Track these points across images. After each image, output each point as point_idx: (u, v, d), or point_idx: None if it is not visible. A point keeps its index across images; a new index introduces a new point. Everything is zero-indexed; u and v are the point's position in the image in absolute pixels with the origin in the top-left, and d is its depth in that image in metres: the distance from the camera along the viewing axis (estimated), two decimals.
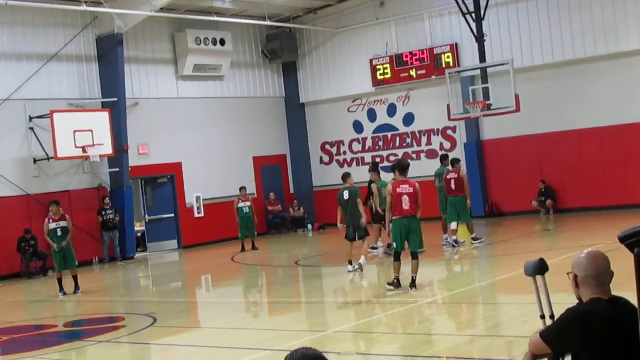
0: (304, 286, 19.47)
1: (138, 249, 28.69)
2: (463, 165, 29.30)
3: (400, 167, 15.81)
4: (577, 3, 27.03)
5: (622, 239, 3.73)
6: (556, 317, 5.41)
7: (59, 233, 19.63)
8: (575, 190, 27.44)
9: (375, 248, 22.02)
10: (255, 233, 26.84)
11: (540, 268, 5.80)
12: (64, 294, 19.47)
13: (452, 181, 21.71)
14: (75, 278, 19.72)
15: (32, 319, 17.56)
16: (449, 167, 22.10)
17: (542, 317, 5.74)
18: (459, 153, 29.78)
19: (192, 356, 12.26)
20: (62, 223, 19.79)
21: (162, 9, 26.89)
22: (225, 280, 21.53)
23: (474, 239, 21.69)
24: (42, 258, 24.49)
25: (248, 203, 26.63)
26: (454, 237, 21.47)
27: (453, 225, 21.49)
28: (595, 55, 26.87)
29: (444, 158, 22.71)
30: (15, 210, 24.72)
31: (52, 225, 19.69)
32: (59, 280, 19.72)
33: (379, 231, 22.01)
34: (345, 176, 19.63)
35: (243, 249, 26.16)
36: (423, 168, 30.28)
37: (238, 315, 15.87)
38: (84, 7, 25.14)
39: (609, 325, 4.85)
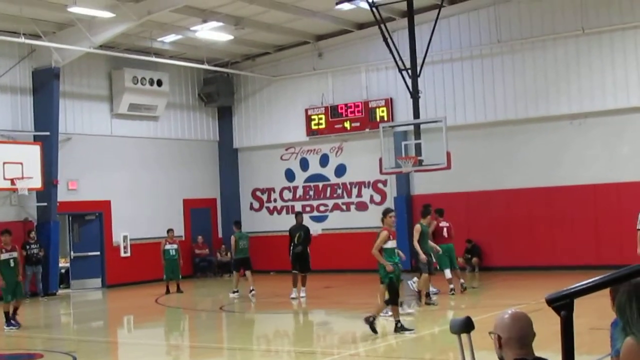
0: (227, 332, 19.31)
1: (61, 286, 28.17)
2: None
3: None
4: (511, 66, 27.59)
5: (550, 302, 3.76)
6: None
7: (12, 264, 19.06)
8: (501, 249, 27.71)
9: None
10: (180, 276, 26.58)
11: (466, 326, 5.82)
12: (17, 326, 18.93)
13: (445, 229, 22.24)
14: (16, 310, 19.20)
15: None
16: (437, 217, 22.53)
17: None
18: (389, 206, 29.93)
19: None
20: (14, 254, 19.25)
21: (100, 46, 26.72)
22: (148, 321, 21.24)
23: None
24: None
25: (175, 246, 26.44)
26: (451, 286, 21.59)
27: (447, 273, 21.62)
28: (527, 117, 27.38)
29: (426, 209, 21.98)
30: None
31: (5, 256, 18.99)
32: (7, 314, 19.04)
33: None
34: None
35: (168, 291, 25.85)
36: (353, 220, 30.51)
37: (158, 358, 15.64)
38: (22, 40, 24.94)
39: None
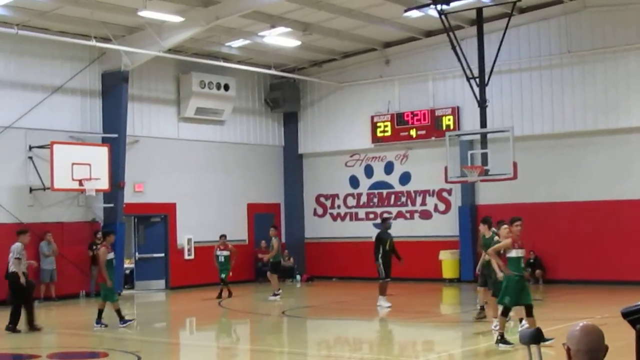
0: (287, 336, 19.37)
1: (125, 286, 28.49)
2: (457, 228, 29.47)
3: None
4: (581, 77, 27.24)
5: (625, 315, 3.73)
6: None
7: (115, 264, 19.94)
8: (565, 262, 27.39)
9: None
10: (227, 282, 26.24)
11: (535, 337, 5.80)
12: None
13: None
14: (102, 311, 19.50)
15: (15, 347, 17.36)
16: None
17: None
18: (453, 216, 29.88)
19: None
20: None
21: (169, 50, 26.99)
22: (210, 324, 21.40)
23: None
24: (30, 287, 24.20)
25: (226, 252, 26.27)
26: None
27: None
28: (595, 129, 27.02)
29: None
30: (8, 238, 24.47)
31: (110, 256, 19.48)
32: (101, 312, 19.38)
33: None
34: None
35: (220, 296, 25.80)
36: (416, 228, 30.39)
37: (221, 358, 15.77)
38: (93, 42, 25.19)
39: None
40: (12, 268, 19.19)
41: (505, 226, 15.94)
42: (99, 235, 26.67)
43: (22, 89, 25.67)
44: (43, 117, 25.91)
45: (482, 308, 19.15)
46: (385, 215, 28.99)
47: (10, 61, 25.48)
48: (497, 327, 15.51)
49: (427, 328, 19.91)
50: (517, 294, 14.83)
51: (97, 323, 19.22)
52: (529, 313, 14.83)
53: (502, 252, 15.37)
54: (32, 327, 19.00)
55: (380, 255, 22.59)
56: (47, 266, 24.99)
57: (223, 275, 25.95)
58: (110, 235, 20.10)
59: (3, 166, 25.03)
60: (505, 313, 14.95)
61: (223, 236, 26.60)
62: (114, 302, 19.33)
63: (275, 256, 26.19)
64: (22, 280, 19.10)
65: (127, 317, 19.53)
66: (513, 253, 15.17)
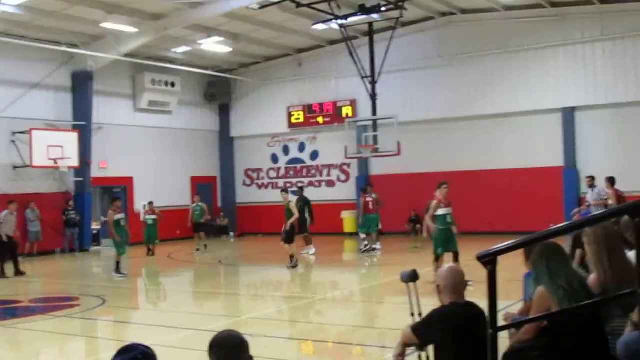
0: (224, 280, 19.31)
1: (93, 244, 27.99)
2: (355, 194, 29.67)
3: None
4: (449, 76, 27.53)
5: (479, 258, 3.79)
6: (423, 315, 5.48)
7: (122, 223, 19.29)
8: None
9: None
10: (157, 241, 25.27)
11: (413, 277, 5.88)
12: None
13: (371, 202, 22.75)
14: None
15: (1, 295, 16.93)
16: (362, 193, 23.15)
17: (412, 314, 5.80)
18: (351, 184, 30.10)
19: (130, 331, 12.02)
20: (123, 215, 19.88)
21: (126, 55, 26.47)
22: (159, 272, 21.21)
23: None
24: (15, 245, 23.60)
25: (154, 216, 25.17)
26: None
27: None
28: (460, 115, 27.44)
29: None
30: None
31: (118, 216, 19.05)
32: (118, 264, 18.86)
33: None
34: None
35: (149, 253, 24.70)
36: (323, 194, 30.54)
37: (171, 300, 15.63)
38: (64, 48, 24.90)
39: (464, 322, 4.94)
40: None
41: (439, 190, 15.32)
42: (71, 203, 26.27)
43: (5, 85, 24.87)
44: (23, 108, 25.17)
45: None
46: (299, 184, 29.04)
47: None
48: None
49: (333, 271, 20.04)
50: (445, 244, 14.64)
51: (116, 272, 18.73)
52: (456, 258, 14.45)
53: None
54: (18, 272, 19.34)
55: (308, 214, 22.77)
56: (33, 229, 24.51)
57: (149, 237, 24.82)
58: (117, 201, 19.88)
59: None
60: (437, 260, 14.58)
61: (150, 203, 25.65)
62: (118, 255, 18.89)
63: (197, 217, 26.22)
64: (4, 238, 19.44)
65: (122, 271, 18.91)
66: (440, 211, 14.95)
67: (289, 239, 19.03)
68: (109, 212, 19.50)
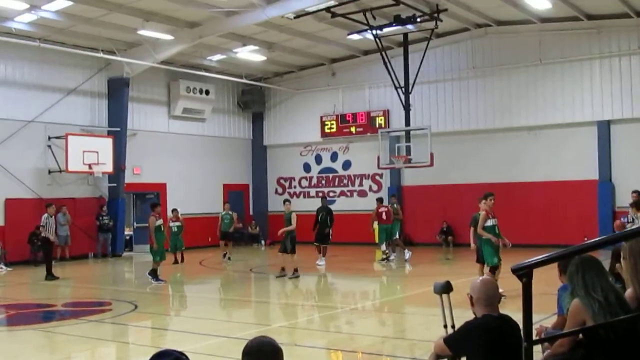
0: (254, 289, 19.34)
1: (126, 249, 28.26)
2: (386, 203, 29.56)
3: None
4: (482, 87, 27.52)
5: (514, 271, 3.78)
6: (456, 327, 5.45)
7: (162, 229, 19.18)
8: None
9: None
10: (183, 247, 24.48)
11: (446, 288, 5.86)
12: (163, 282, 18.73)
13: (384, 213, 22.95)
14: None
15: (36, 298, 17.16)
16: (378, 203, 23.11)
17: (445, 326, 5.78)
18: (384, 194, 30.00)
19: (161, 337, 12.09)
20: (161, 221, 19.38)
21: (162, 62, 26.74)
22: (192, 279, 21.30)
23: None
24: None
25: (178, 223, 24.30)
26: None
27: (383, 246, 22.90)
28: (493, 127, 27.37)
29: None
30: (30, 210, 24.22)
31: (159, 222, 18.96)
32: (155, 271, 18.81)
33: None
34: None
35: (176, 261, 24.08)
36: (355, 204, 30.54)
37: (202, 307, 15.68)
38: (101, 54, 25.18)
39: (497, 335, 4.90)
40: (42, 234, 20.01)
41: (485, 201, 14.96)
42: (104, 208, 26.53)
43: (42, 90, 25.28)
44: (60, 114, 25.58)
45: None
46: (320, 194, 29.05)
47: (33, 68, 25.08)
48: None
49: (363, 281, 20.00)
50: (497, 253, 14.43)
51: (154, 280, 18.63)
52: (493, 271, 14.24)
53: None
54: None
55: (329, 224, 22.81)
56: (62, 233, 24.68)
57: (175, 245, 23.99)
58: (157, 207, 19.61)
59: (27, 153, 24.66)
60: (493, 270, 14.38)
61: (175, 210, 24.51)
62: (155, 262, 18.77)
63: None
64: (53, 239, 19.85)
65: (160, 278, 18.89)
66: (489, 222, 14.70)
67: (293, 249, 19.07)
68: (150, 218, 19.13)
